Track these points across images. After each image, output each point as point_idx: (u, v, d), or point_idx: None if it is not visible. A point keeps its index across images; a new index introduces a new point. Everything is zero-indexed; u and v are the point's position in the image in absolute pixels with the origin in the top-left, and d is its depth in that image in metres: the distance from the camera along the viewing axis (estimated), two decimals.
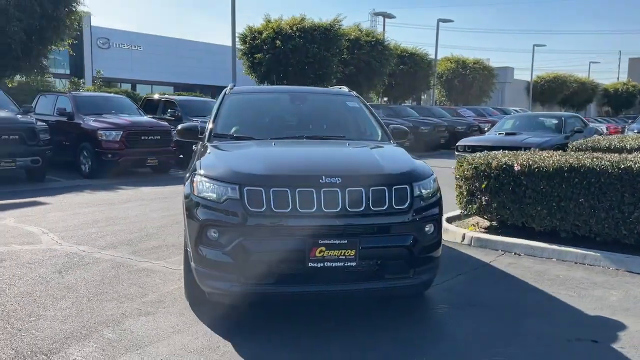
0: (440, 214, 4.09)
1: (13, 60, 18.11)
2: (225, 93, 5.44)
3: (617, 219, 5.53)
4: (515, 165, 6.08)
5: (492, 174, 6.28)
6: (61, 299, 4.37)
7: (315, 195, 3.59)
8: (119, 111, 14.04)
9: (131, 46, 42.17)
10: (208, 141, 4.74)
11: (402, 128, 5.48)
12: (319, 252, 3.55)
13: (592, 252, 5.56)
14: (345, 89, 6.02)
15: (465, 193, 6.70)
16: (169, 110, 15.47)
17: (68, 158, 12.77)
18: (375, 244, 3.68)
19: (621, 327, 3.99)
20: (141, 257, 5.63)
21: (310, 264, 3.55)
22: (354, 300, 4.40)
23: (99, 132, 12.21)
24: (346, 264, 3.60)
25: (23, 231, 6.76)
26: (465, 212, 6.84)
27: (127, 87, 40.86)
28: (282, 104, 5.47)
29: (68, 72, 38.11)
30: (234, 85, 5.69)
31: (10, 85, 20.14)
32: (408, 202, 3.77)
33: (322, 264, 3.56)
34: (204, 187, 3.76)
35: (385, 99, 34.76)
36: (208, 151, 4.36)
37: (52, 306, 4.21)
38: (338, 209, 3.60)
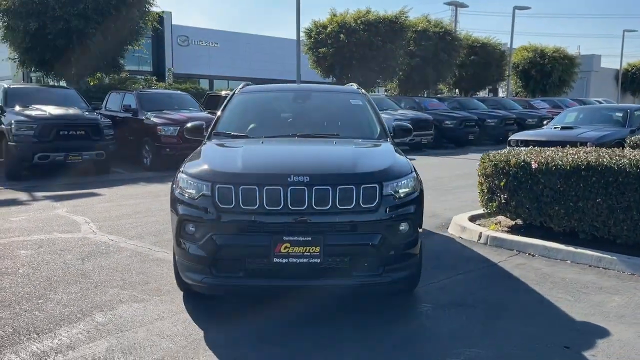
0: (418, 212, 4.08)
1: (92, 60, 19.51)
2: (234, 92, 5.68)
3: (635, 220, 5.22)
4: (533, 163, 5.87)
5: (510, 172, 6.10)
6: (73, 284, 4.80)
7: (282, 193, 3.72)
8: (181, 107, 14.76)
9: (209, 43, 43.79)
10: (208, 139, 4.99)
11: (404, 125, 5.46)
12: (284, 248, 3.69)
13: (607, 255, 5.28)
14: (354, 86, 6.07)
15: (485, 190, 6.54)
16: None
17: (133, 152, 13.63)
18: (341, 241, 3.76)
19: (605, 334, 3.82)
20: (160, 247, 6.00)
21: (275, 259, 3.69)
22: (333, 295, 4.47)
23: (158, 127, 12.90)
24: (311, 260, 3.70)
25: (68, 220, 7.38)
26: (486, 210, 6.68)
27: (205, 83, 42.71)
28: (283, 103, 5.62)
29: (150, 69, 40.36)
30: (248, 84, 5.91)
31: (92, 84, 21.72)
32: (376, 201, 3.81)
33: (286, 260, 3.70)
34: (184, 184, 4.01)
35: (456, 91, 33.88)
36: (200, 149, 4.61)
37: (63, 290, 4.64)
38: (304, 207, 3.71)
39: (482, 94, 39.32)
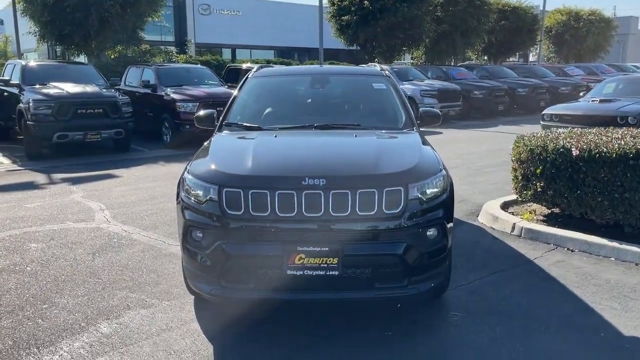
0: (448, 215, 3.68)
1: (111, 33, 19.20)
2: (247, 76, 5.27)
3: None
4: (574, 149, 5.36)
5: (548, 158, 5.61)
6: (81, 285, 4.56)
7: (296, 199, 3.36)
8: (201, 82, 14.40)
9: (230, 11, 43.10)
10: (218, 130, 4.63)
11: (432, 111, 5.00)
12: (299, 260, 3.35)
13: None
14: (377, 67, 5.60)
15: (520, 177, 6.07)
16: None
17: (153, 128, 13.38)
18: (361, 251, 3.40)
19: None
20: (173, 240, 5.73)
21: (289, 272, 3.36)
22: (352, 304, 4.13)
23: (177, 103, 12.59)
24: (328, 273, 3.36)
25: (84, 207, 7.17)
26: (520, 198, 6.22)
27: (227, 52, 42.19)
28: (300, 89, 5.20)
29: (173, 39, 39.97)
30: (262, 67, 5.49)
31: (112, 57, 21.47)
32: (401, 206, 3.42)
33: (301, 272, 3.36)
34: (190, 185, 3.67)
35: (485, 58, 32.70)
36: (209, 143, 4.26)
37: (69, 293, 4.40)
38: (320, 214, 3.35)
39: (512, 60, 37.96)
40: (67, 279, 4.71)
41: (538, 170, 5.71)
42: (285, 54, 40.68)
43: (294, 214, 3.35)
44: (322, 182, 3.37)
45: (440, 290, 3.93)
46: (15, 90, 12.14)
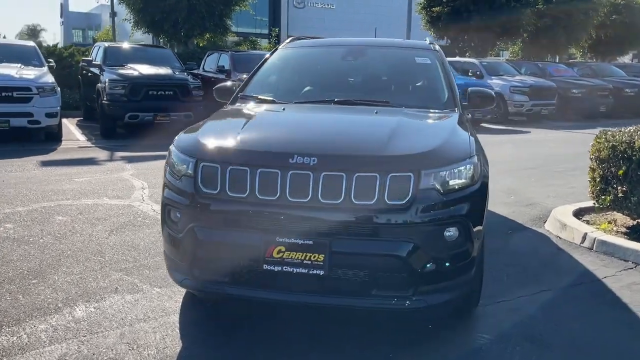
0: (474, 214, 2.94)
1: (199, 21, 19.52)
2: (276, 48, 4.74)
3: None
4: None
5: (634, 157, 4.61)
6: (82, 262, 4.28)
7: (280, 179, 2.78)
8: None
9: (325, 5, 43.06)
10: (231, 103, 4.15)
11: (484, 92, 4.20)
12: (277, 253, 2.77)
13: None
14: (427, 40, 4.84)
15: (598, 179, 5.08)
16: None
17: None
18: (354, 249, 2.76)
19: None
20: None
21: (265, 266, 2.79)
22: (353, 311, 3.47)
23: None
24: (312, 272, 2.75)
25: (127, 185, 7.02)
26: (597, 205, 5.22)
27: None
28: (330, 61, 4.58)
29: (267, 32, 40.51)
30: (297, 38, 4.94)
31: (201, 45, 21.88)
32: (409, 196, 2.74)
33: (280, 268, 2.78)
34: (173, 158, 3.21)
35: (590, 56, 30.01)
36: (212, 116, 3.78)
37: (66, 270, 4.12)
38: (307, 199, 2.75)
39: (625, 59, 34.67)
40: (72, 254, 4.45)
41: (620, 172, 4.72)
42: None
43: (275, 197, 2.78)
44: (313, 161, 2.77)
45: (460, 305, 3.19)
46: (97, 71, 12.51)
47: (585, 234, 4.87)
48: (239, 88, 4.30)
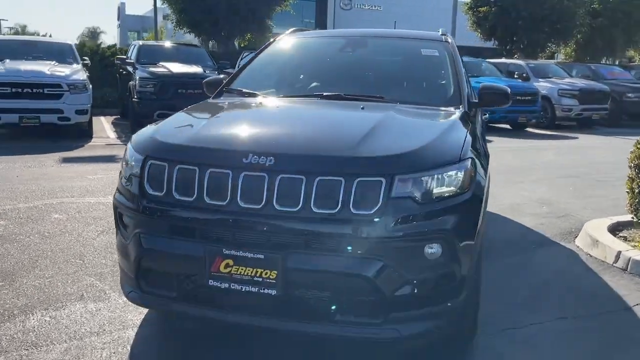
0: (463, 229, 2.46)
1: (240, 22, 19.44)
2: (273, 40, 4.37)
3: None
4: None
5: None
6: (58, 264, 4.03)
7: (231, 181, 2.40)
8: None
9: (371, 7, 42.51)
10: (214, 97, 3.80)
11: (497, 87, 3.66)
12: (224, 267, 2.39)
13: None
14: (440, 31, 4.34)
15: (637, 190, 4.46)
16: None
17: None
18: (313, 266, 2.33)
19: None
20: None
21: (210, 282, 2.41)
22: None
23: None
24: (262, 291, 2.35)
25: None
26: (636, 219, 4.58)
27: None
28: (327, 52, 4.15)
29: None
30: (299, 30, 4.54)
31: (242, 45, 21.83)
32: (379, 205, 2.30)
33: (227, 285, 2.39)
34: (126, 155, 2.88)
35: None
36: (182, 110, 3.43)
37: (38, 272, 3.87)
38: (260, 205, 2.36)
39: None
40: (52, 256, 4.21)
41: None
42: None
43: (225, 202, 2.40)
44: (270, 161, 2.37)
45: (446, 336, 2.71)
46: (130, 69, 12.53)
47: (619, 252, 4.26)
48: (227, 80, 3.95)
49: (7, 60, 10.66)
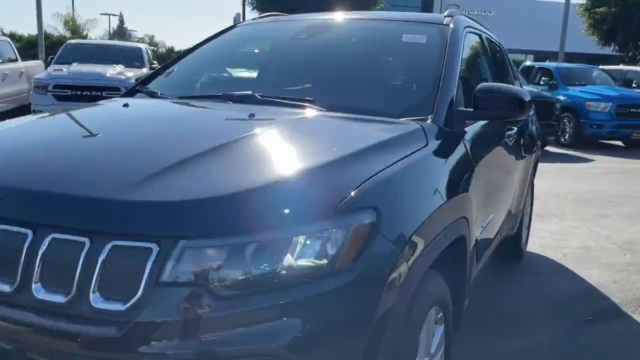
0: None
1: None
2: (233, 25, 3.39)
3: None
4: None
5: None
6: None
7: None
8: None
9: (482, 11, 40.29)
10: (124, 96, 2.90)
11: (497, 89, 2.34)
12: None
13: None
14: (446, 12, 3.06)
15: None
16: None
17: None
18: None
19: None
20: None
21: None
22: None
23: None
24: None
25: None
26: None
27: None
28: (275, 40, 3.10)
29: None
30: (272, 14, 3.52)
31: None
32: (140, 292, 1.26)
33: None
34: None
35: None
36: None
37: None
38: (11, 288, 1.38)
39: None
40: None
41: None
42: (542, 59, 36.23)
43: None
44: (33, 210, 1.41)
45: None
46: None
47: None
48: (143, 78, 3.04)
49: (75, 64, 10.72)
